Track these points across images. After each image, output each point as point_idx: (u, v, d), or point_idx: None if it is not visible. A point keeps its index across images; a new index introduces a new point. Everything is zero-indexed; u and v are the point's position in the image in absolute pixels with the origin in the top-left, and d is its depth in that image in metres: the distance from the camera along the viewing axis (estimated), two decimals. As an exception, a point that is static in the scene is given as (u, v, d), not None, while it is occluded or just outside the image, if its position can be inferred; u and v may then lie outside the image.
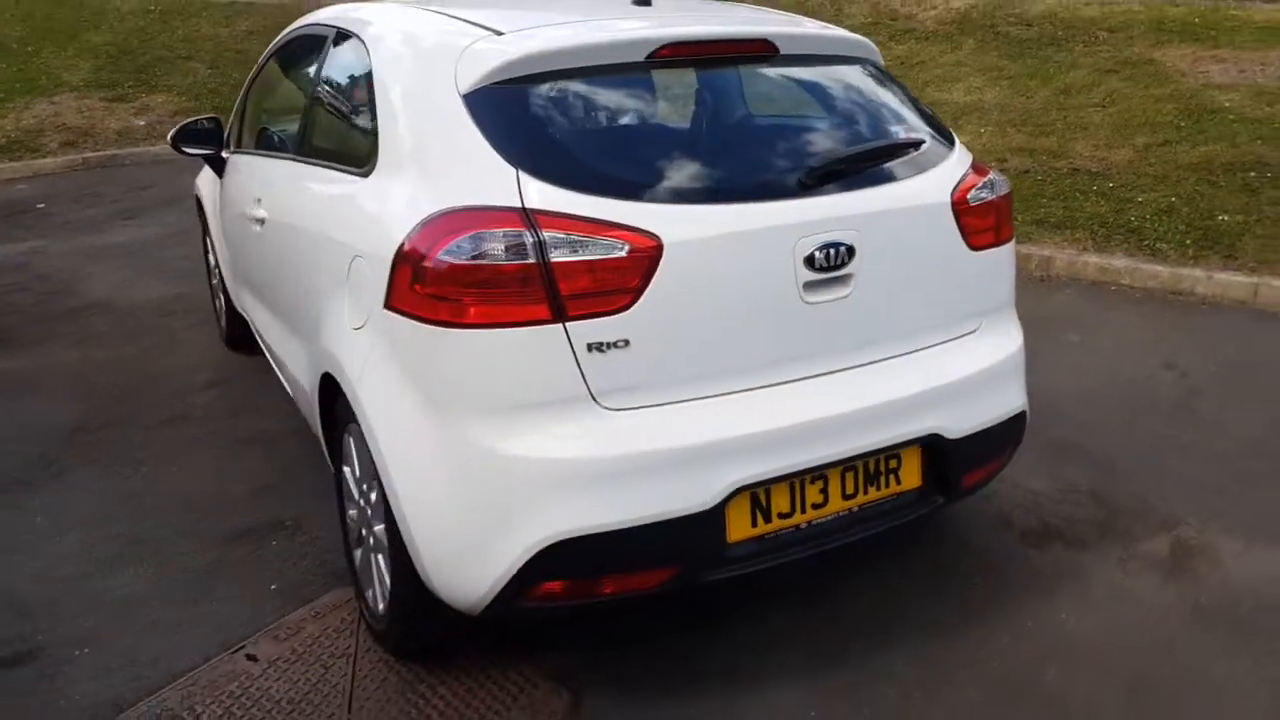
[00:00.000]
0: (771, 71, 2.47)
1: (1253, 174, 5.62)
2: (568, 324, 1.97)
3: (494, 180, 2.05)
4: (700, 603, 2.71)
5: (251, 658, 2.52)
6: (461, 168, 2.13)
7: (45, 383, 4.34)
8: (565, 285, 1.96)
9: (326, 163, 2.74)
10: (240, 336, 4.53)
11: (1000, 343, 2.54)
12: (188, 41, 11.22)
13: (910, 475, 2.38)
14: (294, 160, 2.97)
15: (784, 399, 2.16)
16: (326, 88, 2.95)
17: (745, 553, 2.18)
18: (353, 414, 2.42)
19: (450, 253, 1.99)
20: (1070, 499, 3.28)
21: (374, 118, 2.46)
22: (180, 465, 3.58)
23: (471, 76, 2.20)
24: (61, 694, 2.42)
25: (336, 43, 2.94)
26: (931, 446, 2.36)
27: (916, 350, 2.36)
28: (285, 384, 3.40)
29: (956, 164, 2.47)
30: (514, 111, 2.17)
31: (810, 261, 2.14)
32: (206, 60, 10.92)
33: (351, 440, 2.53)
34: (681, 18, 2.55)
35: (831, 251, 2.15)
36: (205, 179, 4.48)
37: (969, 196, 2.40)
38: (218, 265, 4.57)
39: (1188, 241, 5.32)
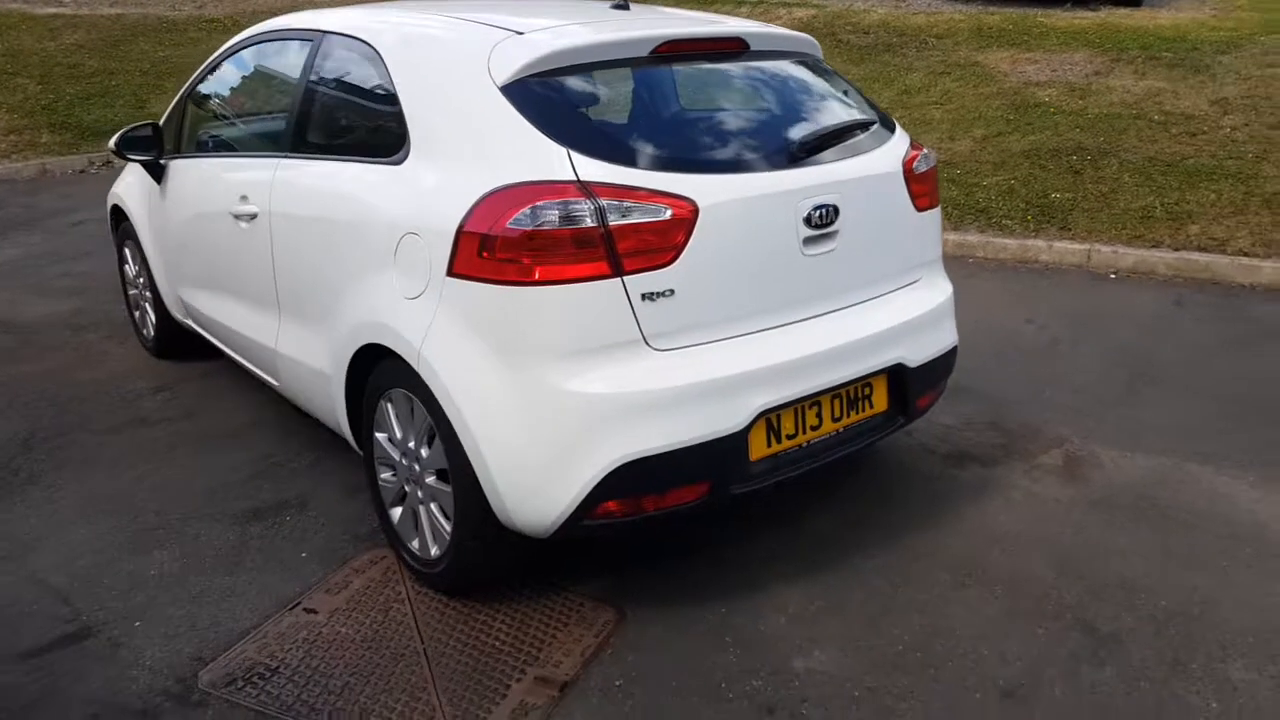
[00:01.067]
0: (744, 64, 2.90)
1: (1075, 158, 6.52)
2: (625, 278, 2.33)
3: (547, 159, 2.38)
4: (703, 532, 3.11)
5: (311, 610, 2.73)
6: (510, 149, 2.44)
7: (-27, 399, 4.26)
8: (622, 244, 2.32)
9: (339, 156, 2.97)
10: (171, 345, 4.58)
11: (939, 290, 3.07)
12: (10, 56, 10.66)
13: (880, 399, 2.86)
14: (290, 157, 3.16)
15: (792, 337, 2.60)
16: (325, 88, 3.17)
17: (762, 469, 2.60)
18: (394, 380, 2.69)
19: (519, 221, 2.31)
20: (974, 429, 3.88)
21: (398, 111, 2.73)
22: (159, 464, 3.67)
23: (508, 70, 2.52)
24: (137, 659, 2.56)
25: (326, 46, 3.16)
26: (895, 374, 2.85)
27: (881, 295, 2.85)
28: (266, 376, 3.56)
29: (900, 140, 2.99)
30: (553, 99, 2.51)
31: (808, 220, 2.58)
32: (35, 76, 10.41)
33: (390, 406, 2.79)
34: (663, 20, 2.95)
35: (824, 211, 2.60)
36: (130, 189, 4.50)
37: (914, 166, 2.92)
38: (140, 274, 4.60)
39: (1029, 217, 6.14)
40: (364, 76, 2.99)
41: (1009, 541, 3.10)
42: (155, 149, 4.01)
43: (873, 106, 3.11)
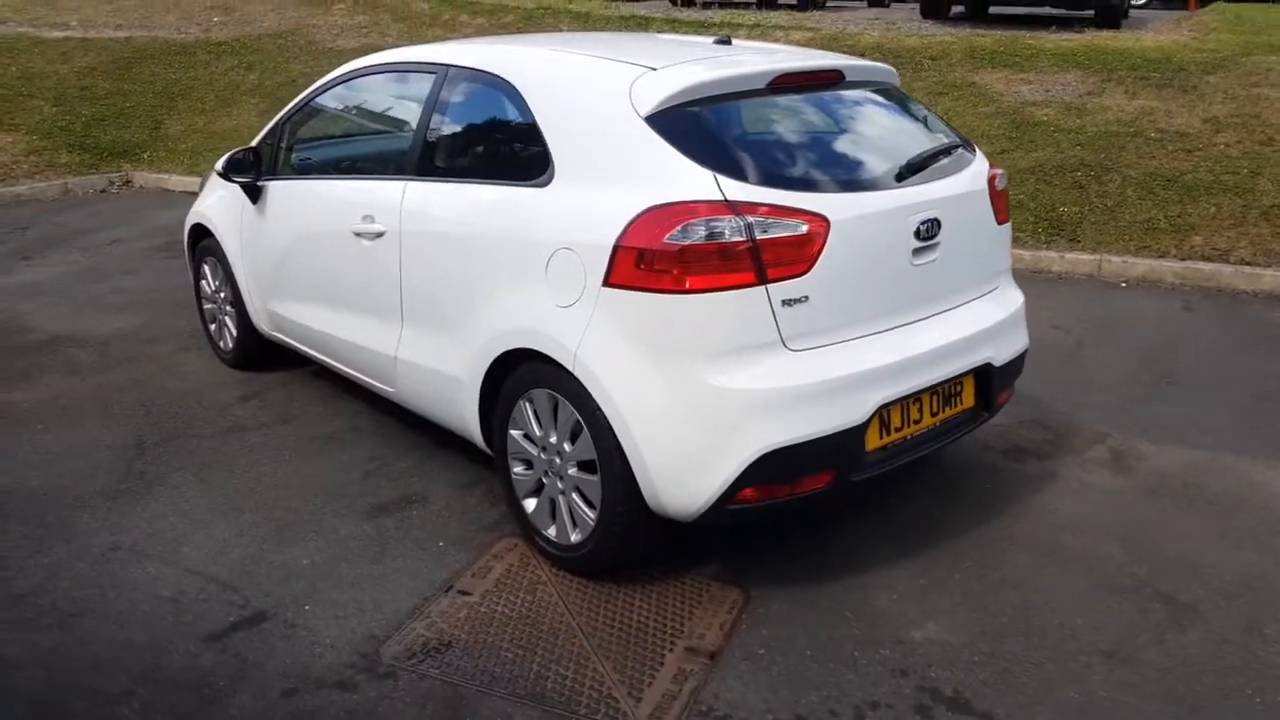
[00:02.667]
0: (843, 93, 3.22)
1: (1078, 174, 6.93)
2: (768, 286, 2.63)
3: (696, 181, 2.69)
4: (805, 520, 3.41)
5: (464, 592, 2.99)
6: (658, 173, 2.74)
7: (70, 410, 4.45)
8: (766, 256, 2.62)
9: (475, 179, 3.25)
10: (251, 357, 4.81)
11: (1013, 296, 3.41)
12: (25, 79, 10.78)
13: (968, 396, 3.18)
14: (418, 179, 3.43)
15: (903, 338, 2.91)
16: (453, 117, 3.44)
17: (875, 459, 2.90)
18: (537, 381, 2.97)
19: (675, 236, 2.61)
20: (1024, 426, 4.21)
21: (539, 139, 3.03)
22: (272, 465, 3.90)
23: (650, 102, 2.82)
24: (317, 638, 2.80)
25: (452, 79, 3.44)
26: (983, 373, 3.18)
27: (970, 300, 3.18)
28: (377, 383, 3.81)
29: (981, 160, 3.33)
30: (693, 128, 2.81)
31: (917, 233, 2.91)
32: (50, 98, 10.54)
33: (528, 405, 3.06)
34: (770, 55, 3.27)
35: (930, 224, 2.93)
36: (217, 209, 4.72)
37: (995, 183, 3.26)
38: (221, 290, 4.82)
39: (1039, 230, 6.53)
40: (498, 107, 3.27)
41: (1076, 526, 3.42)
42: (254, 171, 4.25)
43: (951, 129, 3.45)
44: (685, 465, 2.68)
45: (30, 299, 6.16)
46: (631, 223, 2.69)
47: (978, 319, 3.15)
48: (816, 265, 2.69)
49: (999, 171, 3.37)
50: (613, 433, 2.76)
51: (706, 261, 2.60)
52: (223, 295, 4.87)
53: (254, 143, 4.45)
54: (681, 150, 2.74)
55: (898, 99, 3.39)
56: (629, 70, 2.96)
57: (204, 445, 4.08)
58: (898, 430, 2.95)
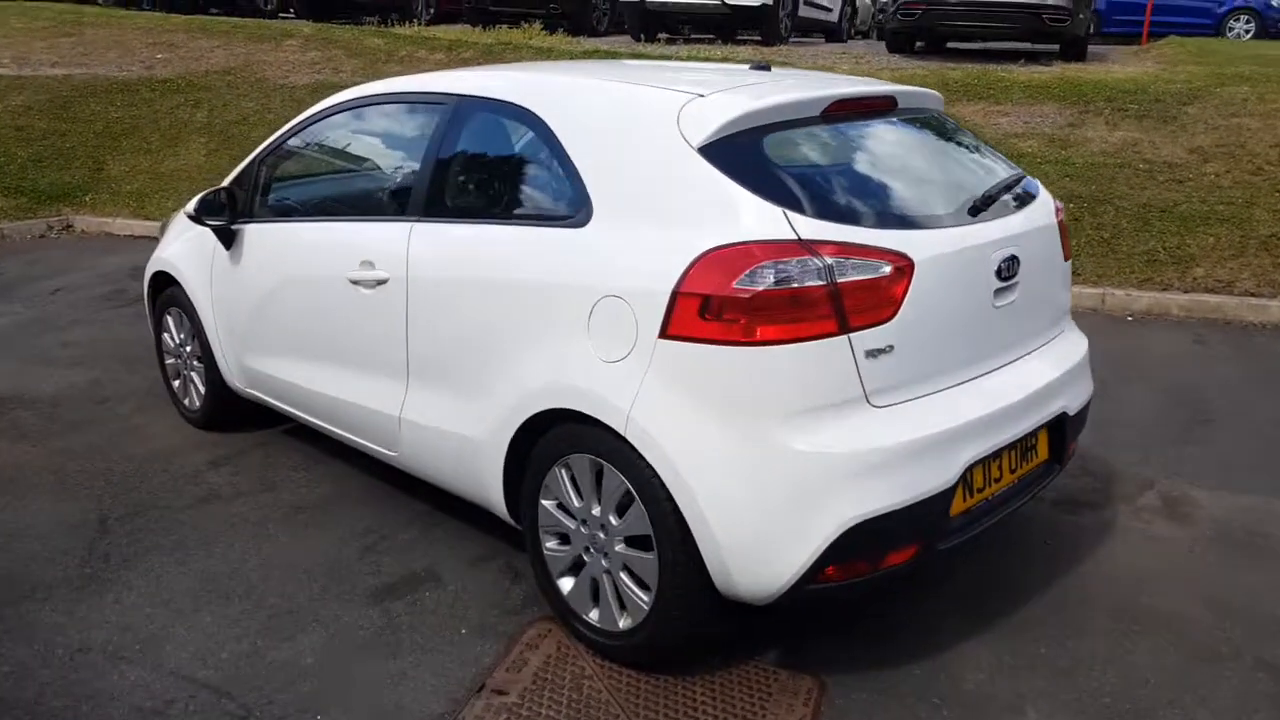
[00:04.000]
0: (896, 121, 2.96)
1: (1071, 205, 6.80)
2: (851, 335, 2.33)
3: (762, 218, 2.38)
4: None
5: (500, 692, 2.61)
6: (718, 210, 2.43)
7: (20, 482, 3.97)
8: (849, 302, 2.32)
9: (495, 220, 2.91)
10: (220, 416, 4.39)
11: (1079, 340, 3.16)
12: (-48, 118, 10.17)
13: (1043, 448, 2.91)
14: (427, 221, 3.08)
15: (986, 389, 2.63)
16: (467, 151, 3.11)
17: (959, 525, 2.61)
18: (576, 445, 2.63)
19: (747, 281, 2.30)
20: (1069, 474, 3.94)
21: (573, 175, 2.70)
22: (256, 542, 3.48)
23: (704, 132, 2.52)
24: (334, 754, 2.40)
25: (463, 110, 3.10)
26: (1057, 423, 2.90)
27: (1043, 344, 2.92)
28: (375, 446, 3.43)
29: (1044, 191, 3.08)
30: (752, 159, 2.51)
31: (999, 272, 2.63)
32: (-19, 137, 9.94)
33: (564, 472, 2.71)
34: (819, 80, 3.00)
35: (1011, 262, 2.66)
36: (183, 255, 4.31)
37: (1060, 218, 3.01)
38: (187, 344, 4.41)
39: (1038, 263, 6.35)
40: (520, 140, 2.95)
41: (1150, 585, 3.16)
42: (228, 213, 3.87)
43: (1004, 158, 3.20)
44: (763, 541, 2.35)
45: (-35, 355, 5.64)
46: (692, 266, 2.37)
47: (1053, 365, 2.89)
48: (901, 311, 2.40)
49: (1059, 203, 3.13)
50: (673, 505, 2.42)
51: (782, 309, 2.30)
52: (189, 349, 4.44)
53: (226, 182, 4.06)
54: (743, 184, 2.44)
55: (948, 126, 3.14)
56: (674, 97, 2.66)
57: (176, 519, 3.65)
58: (979, 491, 2.66)
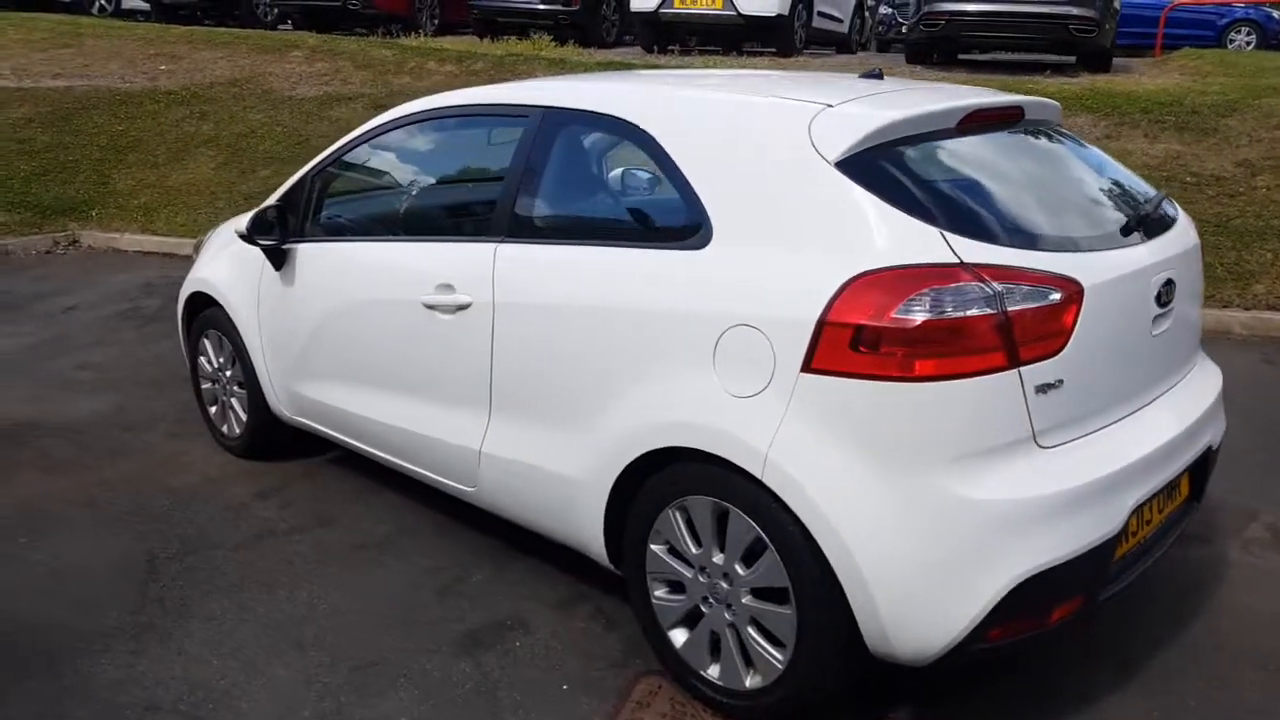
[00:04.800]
0: (1024, 134, 2.77)
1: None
2: (1021, 369, 2.12)
3: (918, 239, 2.18)
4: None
5: (619, 757, 2.38)
6: (865, 229, 2.23)
7: (55, 517, 3.72)
8: (1019, 332, 2.12)
9: (597, 241, 2.69)
10: (263, 444, 4.15)
11: (1213, 368, 2.96)
12: (-49, 131, 9.88)
13: (1184, 486, 2.71)
14: (514, 242, 2.86)
15: (1144, 425, 2.43)
16: (559, 168, 2.89)
17: (1117, 572, 2.40)
18: (696, 486, 2.42)
19: (906, 310, 2.09)
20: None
21: (687, 192, 2.50)
22: (320, 584, 3.24)
23: (841, 145, 2.32)
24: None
25: (552, 123, 2.89)
26: (1200, 459, 2.71)
27: (1187, 374, 2.72)
28: (449, 481, 3.21)
29: (1181, 210, 2.89)
30: (896, 175, 2.31)
31: (1158, 297, 2.44)
32: (-19, 150, 9.66)
33: (678, 515, 2.50)
34: (944, 91, 2.81)
35: (1169, 286, 2.47)
36: (225, 275, 4.07)
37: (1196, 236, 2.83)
38: (228, 368, 4.17)
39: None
40: (622, 155, 2.76)
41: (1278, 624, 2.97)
42: (278, 232, 3.63)
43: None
44: (926, 598, 2.14)
45: (-21, 378, 5.37)
46: (841, 292, 2.16)
47: (1198, 397, 2.69)
48: (1071, 340, 2.20)
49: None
50: (819, 557, 2.21)
51: (948, 341, 2.09)
52: (228, 374, 4.20)
53: (273, 199, 3.83)
54: (890, 201, 2.24)
55: (1071, 138, 2.94)
56: (802, 107, 2.46)
57: (230, 558, 3.40)
58: (1133, 535, 2.45)
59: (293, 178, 3.81)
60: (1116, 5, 9.73)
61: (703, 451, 2.38)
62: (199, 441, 4.44)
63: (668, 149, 2.58)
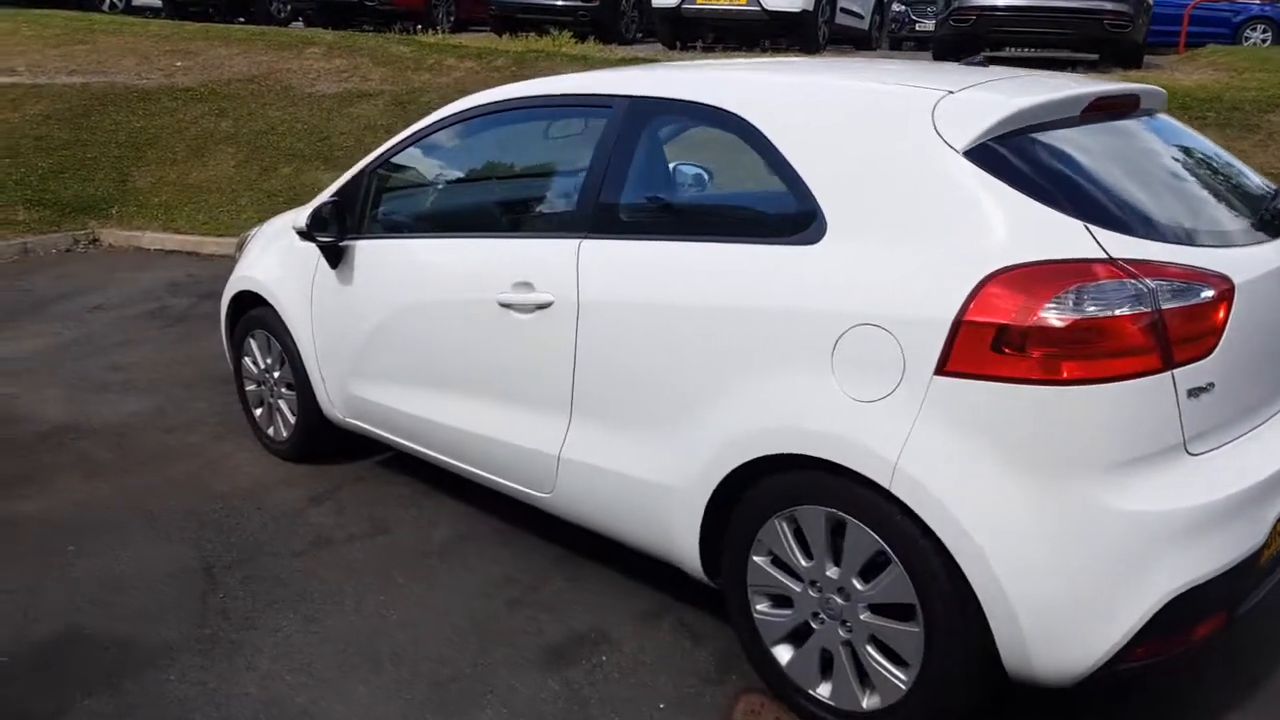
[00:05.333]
0: (1140, 123, 2.63)
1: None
2: (1175, 371, 1.99)
3: (1061, 233, 2.05)
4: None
5: (731, 782, 2.25)
6: (1000, 223, 2.10)
7: (103, 524, 3.59)
8: (1172, 332, 1.99)
9: (694, 236, 2.56)
10: (312, 447, 4.02)
11: None
12: (-33, 128, 9.74)
13: None
14: (599, 238, 2.73)
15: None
16: (648, 160, 2.76)
17: (1253, 585, 2.26)
18: (807, 495, 2.29)
19: (1053, 309, 1.96)
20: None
21: (796, 184, 2.37)
22: (387, 593, 3.11)
23: (969, 133, 2.19)
24: None
25: (638, 113, 2.75)
26: None
27: None
28: (521, 486, 3.07)
29: None
30: (1031, 164, 2.19)
31: None
32: (0, 149, 9.53)
33: (785, 526, 2.37)
34: (1048, 78, 2.68)
35: None
36: (275, 273, 3.93)
37: None
38: (275, 369, 4.04)
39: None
40: (720, 145, 2.63)
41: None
42: (337, 229, 3.50)
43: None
44: (1072, 616, 2.01)
45: (12, 380, 5.22)
46: (980, 289, 2.03)
47: None
48: (1223, 341, 2.06)
49: None
50: (954, 571, 2.08)
51: (1098, 341, 1.96)
52: (276, 375, 4.06)
53: (326, 194, 3.70)
54: (1028, 193, 2.11)
55: (1183, 128, 2.81)
56: (922, 94, 2.32)
57: (290, 568, 3.27)
58: (1267, 546, 2.31)
59: (349, 172, 3.67)
60: (1150, 1, 9.59)
61: (818, 459, 2.25)
62: (244, 444, 4.31)
63: (773, 139, 2.44)
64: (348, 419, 3.78)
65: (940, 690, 2.17)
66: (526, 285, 2.86)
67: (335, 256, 3.57)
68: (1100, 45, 9.67)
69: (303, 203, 8.46)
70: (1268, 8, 19.04)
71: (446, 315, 3.14)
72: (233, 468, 4.10)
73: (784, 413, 2.30)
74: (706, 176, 2.81)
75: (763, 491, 2.40)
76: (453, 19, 13.69)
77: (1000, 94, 2.33)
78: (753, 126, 2.49)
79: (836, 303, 2.22)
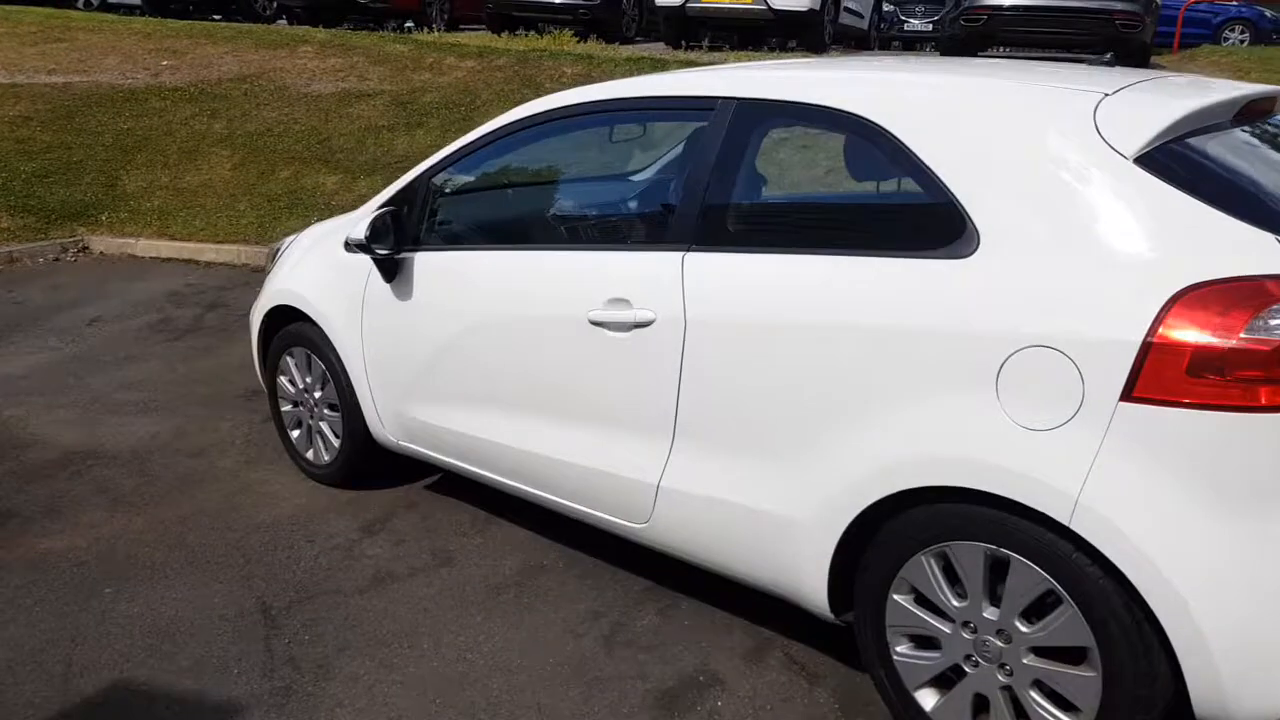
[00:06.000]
0: (1274, 125, 2.49)
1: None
2: (1385, 396, 1.83)
3: (1249, 246, 1.90)
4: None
5: None
6: (1182, 236, 1.94)
7: (140, 561, 3.35)
8: (1383, 354, 1.82)
9: (815, 249, 2.36)
10: (358, 471, 3.80)
11: None
12: (-57, 130, 9.37)
13: None
14: (706, 251, 2.54)
15: None
16: (761, 167, 2.56)
17: None
18: (963, 531, 2.11)
19: (1255, 329, 1.80)
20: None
21: (940, 194, 2.20)
22: (466, 633, 2.90)
23: (1139, 137, 2.03)
24: None
25: (745, 117, 2.56)
26: None
27: None
28: (609, 515, 2.88)
29: None
30: (1203, 171, 2.04)
31: None
32: (-23, 151, 9.16)
33: (932, 563, 2.19)
34: (1181, 79, 2.52)
35: None
36: (317, 286, 3.70)
37: None
38: (315, 388, 3.81)
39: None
40: (845, 151, 2.44)
41: None
42: (394, 241, 3.27)
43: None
44: (1275, 657, 1.84)
45: (16, 401, 4.94)
46: (1169, 309, 1.86)
47: None
48: None
49: None
50: (1139, 612, 1.91)
51: (1309, 364, 1.79)
52: (318, 395, 3.83)
53: (377, 203, 3.48)
54: (1208, 203, 1.94)
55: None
56: (1080, 96, 2.15)
57: (355, 607, 3.05)
58: None
59: (401, 180, 3.45)
60: (1159, 1, 9.56)
61: (979, 491, 2.07)
62: (279, 468, 4.07)
63: (910, 143, 2.26)
64: (401, 442, 3.56)
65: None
66: (622, 302, 2.66)
67: (391, 270, 3.34)
68: (1110, 45, 9.60)
69: (307, 207, 8.18)
70: (1245, 9, 19.26)
71: (526, 334, 2.93)
72: (271, 495, 3.86)
73: (941, 442, 2.11)
74: (825, 185, 2.62)
75: (908, 525, 2.21)
76: (447, 17, 13.42)
77: (1160, 95, 2.17)
78: (883, 130, 2.31)
79: (1001, 322, 2.04)
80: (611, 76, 9.75)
